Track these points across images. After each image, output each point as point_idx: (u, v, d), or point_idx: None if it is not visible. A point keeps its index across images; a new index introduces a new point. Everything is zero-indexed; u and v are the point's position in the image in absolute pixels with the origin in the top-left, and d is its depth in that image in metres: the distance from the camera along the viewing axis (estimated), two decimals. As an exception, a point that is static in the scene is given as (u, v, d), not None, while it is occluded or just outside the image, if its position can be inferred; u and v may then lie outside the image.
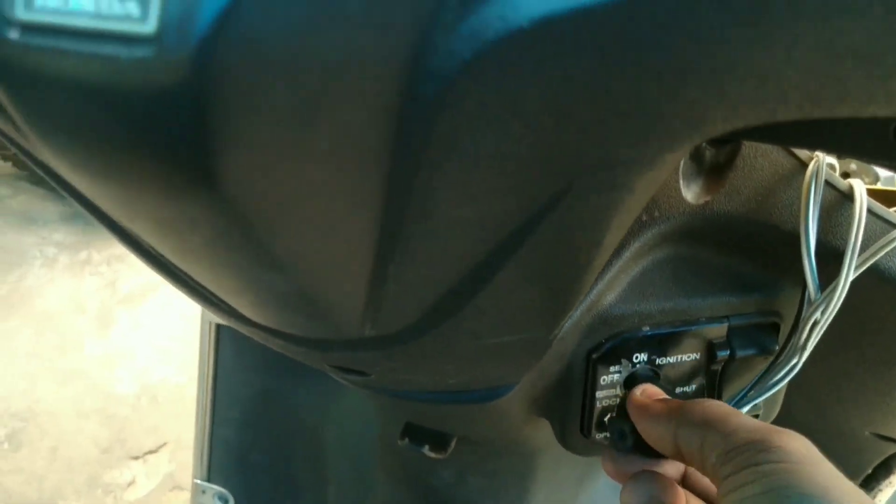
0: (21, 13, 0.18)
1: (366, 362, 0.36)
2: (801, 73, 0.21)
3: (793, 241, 0.43)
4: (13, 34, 0.18)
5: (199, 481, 1.06)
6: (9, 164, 2.45)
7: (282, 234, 0.23)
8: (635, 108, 0.21)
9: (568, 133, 0.22)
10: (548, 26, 0.18)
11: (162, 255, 0.28)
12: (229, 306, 0.32)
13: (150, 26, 0.17)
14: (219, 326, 1.01)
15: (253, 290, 0.27)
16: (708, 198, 0.42)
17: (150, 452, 1.90)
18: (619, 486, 0.42)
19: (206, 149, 0.19)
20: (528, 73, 0.19)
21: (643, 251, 0.43)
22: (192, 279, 0.29)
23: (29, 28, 0.18)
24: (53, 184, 0.29)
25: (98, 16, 0.17)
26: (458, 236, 0.25)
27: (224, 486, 1.06)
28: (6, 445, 1.87)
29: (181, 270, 0.29)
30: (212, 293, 0.30)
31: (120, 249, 2.37)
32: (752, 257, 0.46)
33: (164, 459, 1.88)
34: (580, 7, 0.18)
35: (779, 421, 0.58)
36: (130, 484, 1.82)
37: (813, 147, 0.36)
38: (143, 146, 0.19)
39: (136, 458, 1.88)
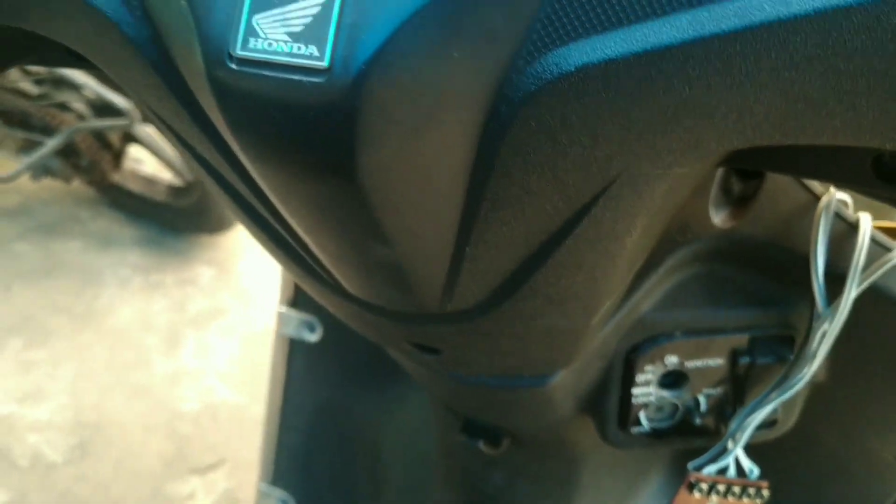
0: (239, 51, 0.27)
1: (440, 337, 0.44)
2: (768, 111, 0.29)
3: (807, 263, 0.50)
4: (233, 65, 0.27)
5: (263, 485, 1.14)
6: (92, 188, 2.60)
7: (392, 215, 0.31)
8: (648, 132, 0.30)
9: (600, 148, 0.30)
10: (587, 70, 0.27)
11: (293, 234, 0.37)
12: (334, 279, 0.40)
13: (324, 62, 0.26)
14: (292, 340, 1.09)
15: (361, 261, 0.36)
16: (734, 223, 0.50)
17: (210, 469, 1.98)
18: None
19: (352, 148, 0.28)
20: (572, 102, 0.28)
21: (677, 266, 0.51)
22: (312, 254, 0.38)
23: (243, 61, 0.27)
24: (209, 179, 0.38)
25: (291, 54, 0.26)
26: (520, 226, 0.34)
27: (286, 490, 1.13)
28: (76, 454, 1.97)
29: (304, 247, 0.38)
30: (323, 267, 0.39)
31: (190, 273, 2.49)
32: (771, 277, 0.53)
33: (222, 476, 1.96)
34: (609, 58, 0.27)
35: (806, 445, 0.64)
36: (191, 497, 1.90)
37: (805, 175, 0.44)
38: (311, 144, 0.28)
39: (197, 473, 1.96)
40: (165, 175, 2.58)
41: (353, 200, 0.30)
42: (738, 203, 0.50)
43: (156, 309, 2.37)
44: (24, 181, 2.38)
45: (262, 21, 0.26)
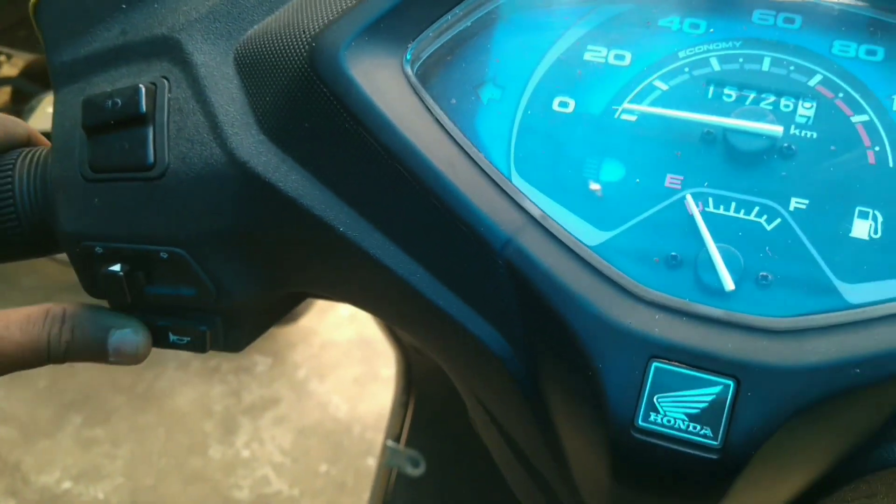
0: (641, 422, 0.35)
1: None
2: None
3: None
4: (636, 434, 0.35)
5: None
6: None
7: None
8: None
9: None
10: None
11: None
12: None
13: (717, 443, 0.34)
14: (398, 474, 1.17)
15: None
16: None
17: (260, 561, 2.02)
18: None
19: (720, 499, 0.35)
20: None
21: None
22: None
23: (644, 431, 0.35)
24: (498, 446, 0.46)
25: (688, 431, 0.34)
26: None
27: None
28: (131, 537, 2.02)
29: None
30: None
31: (247, 361, 2.55)
32: None
33: (272, 570, 2.00)
34: None
35: None
36: (240, 589, 1.94)
37: None
38: (684, 498, 0.35)
39: (247, 564, 2.00)
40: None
41: None
42: None
43: (213, 394, 2.43)
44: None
45: (662, 400, 0.35)
